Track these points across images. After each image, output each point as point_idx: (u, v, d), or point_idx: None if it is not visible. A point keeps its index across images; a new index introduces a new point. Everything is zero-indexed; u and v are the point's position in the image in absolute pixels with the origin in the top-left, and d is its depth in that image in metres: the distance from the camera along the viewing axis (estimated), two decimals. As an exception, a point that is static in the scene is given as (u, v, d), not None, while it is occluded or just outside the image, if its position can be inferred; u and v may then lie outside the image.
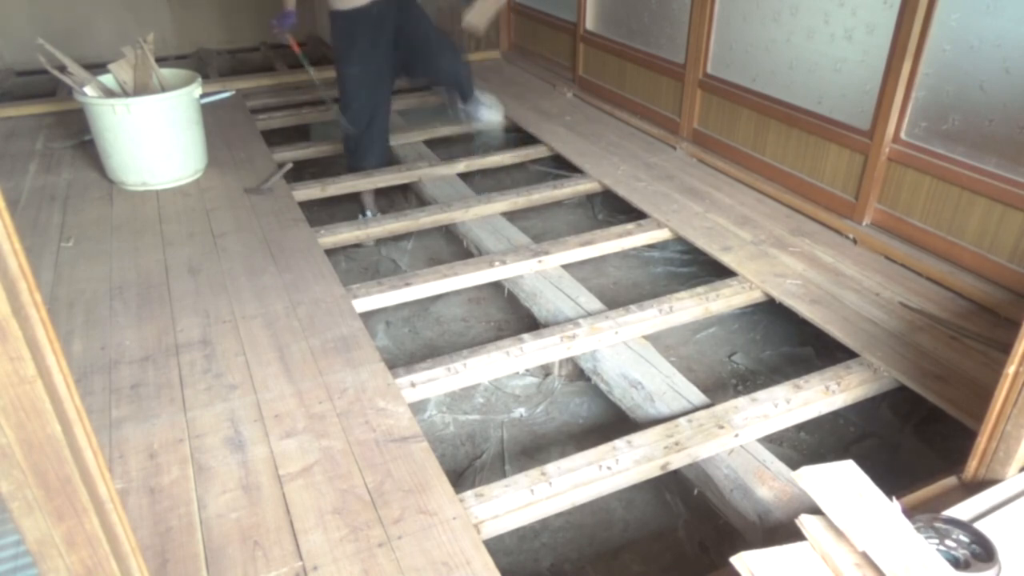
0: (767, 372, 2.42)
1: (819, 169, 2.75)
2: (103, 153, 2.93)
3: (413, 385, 1.92)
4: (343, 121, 3.11)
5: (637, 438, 1.75)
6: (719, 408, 1.85)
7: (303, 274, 2.33)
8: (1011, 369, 1.38)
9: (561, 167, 3.43)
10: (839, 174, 2.67)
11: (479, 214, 2.93)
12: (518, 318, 2.70)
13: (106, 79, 3.00)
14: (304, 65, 3.34)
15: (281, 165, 3.16)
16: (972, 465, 1.55)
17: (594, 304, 2.35)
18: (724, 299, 2.32)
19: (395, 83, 3.21)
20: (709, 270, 2.79)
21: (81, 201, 2.86)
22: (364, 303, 2.26)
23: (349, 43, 2.93)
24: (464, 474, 2.07)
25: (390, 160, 3.30)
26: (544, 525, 1.88)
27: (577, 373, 2.35)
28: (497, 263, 2.49)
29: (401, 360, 2.49)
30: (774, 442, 2.11)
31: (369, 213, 3.25)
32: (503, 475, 1.99)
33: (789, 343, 2.54)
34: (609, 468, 1.67)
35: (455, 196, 3.11)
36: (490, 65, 4.64)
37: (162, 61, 3.44)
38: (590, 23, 4.04)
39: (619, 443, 1.74)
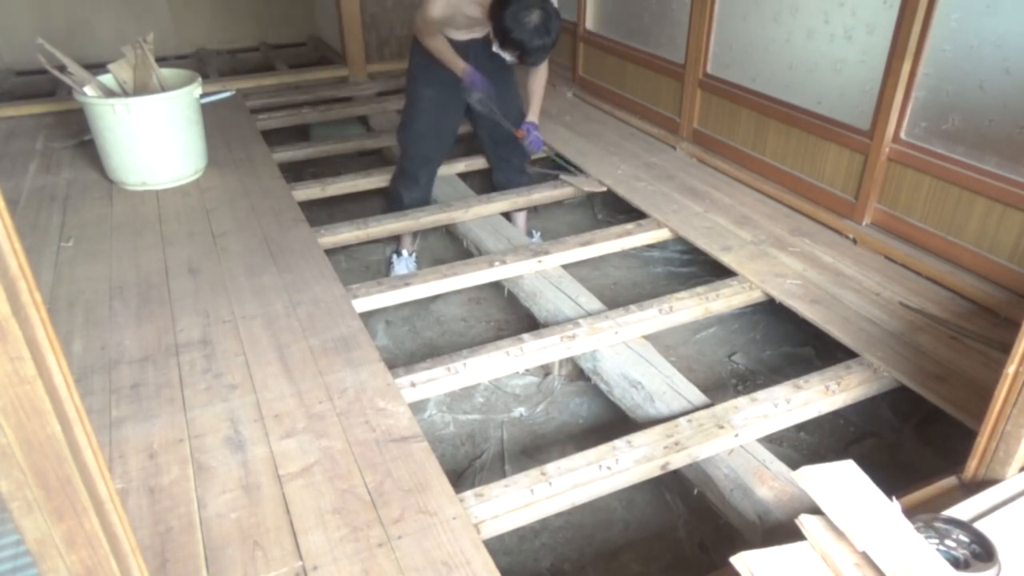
0: (767, 372, 2.42)
1: (819, 169, 2.75)
2: (103, 153, 2.93)
3: (413, 385, 1.92)
4: (399, 140, 2.97)
5: (637, 438, 1.75)
6: (719, 408, 1.85)
7: (303, 274, 2.33)
8: (1011, 369, 1.38)
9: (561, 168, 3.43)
10: (839, 174, 2.67)
11: (479, 214, 2.93)
12: (518, 318, 2.70)
13: (106, 79, 3.00)
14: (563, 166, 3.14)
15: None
16: (972, 465, 1.55)
17: (594, 304, 2.35)
18: (724, 299, 2.32)
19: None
20: (709, 270, 2.79)
21: (81, 201, 2.86)
22: (364, 303, 2.26)
23: (436, 66, 2.73)
24: (464, 474, 2.07)
25: (428, 201, 3.05)
26: (544, 525, 1.88)
27: (577, 373, 2.35)
28: (497, 263, 2.49)
29: (401, 360, 2.49)
30: (774, 442, 2.11)
31: (406, 253, 3.03)
32: (503, 475, 1.99)
33: (789, 343, 2.54)
34: (609, 468, 1.67)
35: (455, 196, 3.11)
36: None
37: (162, 61, 3.44)
38: (590, 23, 4.04)
39: (619, 443, 1.73)
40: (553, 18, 2.46)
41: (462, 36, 2.73)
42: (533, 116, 2.97)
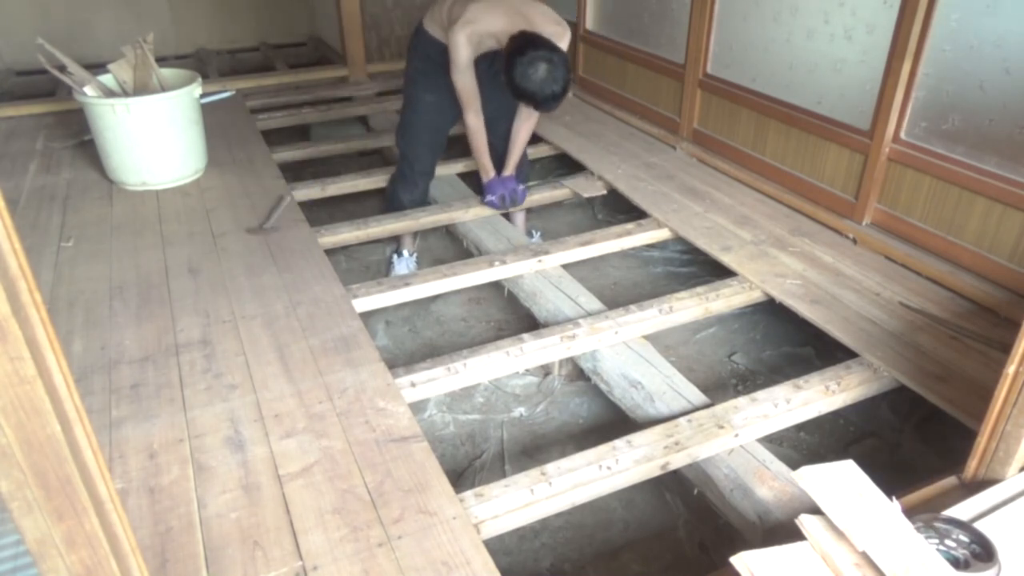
0: (767, 372, 2.42)
1: (819, 169, 2.75)
2: (103, 153, 2.93)
3: (413, 385, 1.92)
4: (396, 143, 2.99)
5: (637, 438, 1.75)
6: (719, 408, 1.85)
7: (303, 274, 2.33)
8: (1011, 369, 1.38)
9: (563, 166, 3.44)
10: (839, 174, 2.67)
11: (479, 214, 2.93)
12: (518, 318, 2.70)
13: (106, 79, 3.00)
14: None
15: (280, 198, 2.83)
16: (972, 465, 1.55)
17: (594, 304, 2.35)
18: (724, 299, 2.32)
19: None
20: (709, 270, 2.79)
21: (81, 201, 2.86)
22: (364, 303, 2.26)
23: (436, 72, 2.73)
24: (464, 474, 2.07)
25: (426, 201, 3.07)
26: (544, 525, 1.88)
27: (577, 373, 2.35)
28: (497, 263, 2.49)
29: (401, 360, 2.49)
30: (774, 442, 2.11)
31: (407, 252, 3.03)
32: (503, 475, 1.99)
33: (789, 343, 2.54)
34: (609, 468, 1.67)
35: (455, 196, 3.11)
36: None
37: (162, 61, 3.44)
38: (590, 23, 4.04)
39: (619, 443, 1.73)
40: (559, 66, 2.46)
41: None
42: (509, 169, 2.95)
